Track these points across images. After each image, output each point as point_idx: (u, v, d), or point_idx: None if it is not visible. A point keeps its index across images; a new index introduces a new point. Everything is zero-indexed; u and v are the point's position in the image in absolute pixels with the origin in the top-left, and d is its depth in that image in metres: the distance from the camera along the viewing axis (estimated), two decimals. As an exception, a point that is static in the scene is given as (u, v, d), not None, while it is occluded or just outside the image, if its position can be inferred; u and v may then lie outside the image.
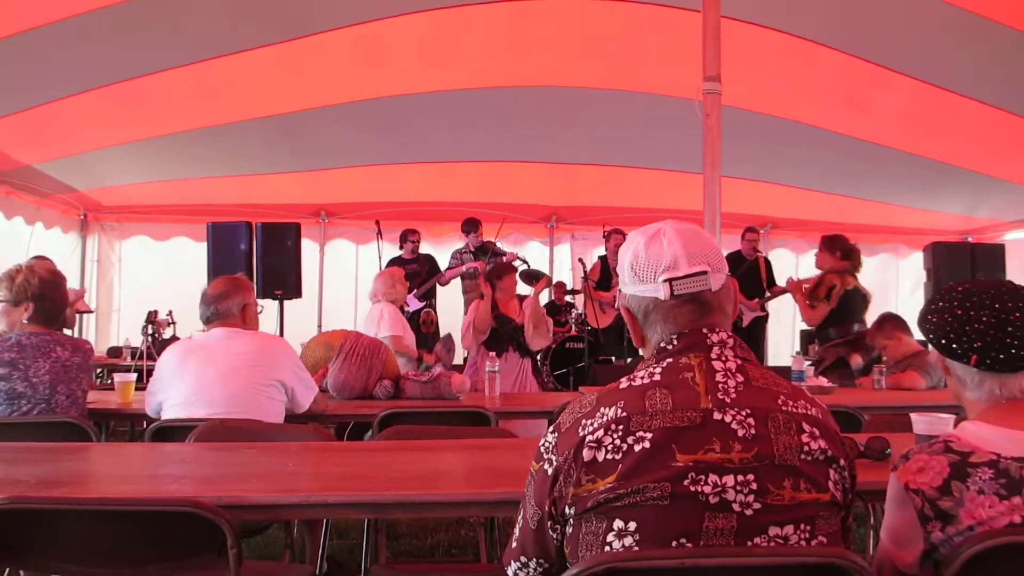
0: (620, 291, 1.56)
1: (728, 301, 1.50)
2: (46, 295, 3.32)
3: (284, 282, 7.36)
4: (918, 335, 5.10)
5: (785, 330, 10.02)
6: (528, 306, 5.61)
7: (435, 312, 8.10)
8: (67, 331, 3.66)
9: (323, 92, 6.53)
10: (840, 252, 5.87)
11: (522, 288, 7.94)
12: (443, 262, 8.38)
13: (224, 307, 3.39)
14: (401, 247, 8.07)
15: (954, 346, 1.56)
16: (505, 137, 7.66)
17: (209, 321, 3.41)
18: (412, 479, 2.22)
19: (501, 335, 5.61)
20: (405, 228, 8.17)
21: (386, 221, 8.18)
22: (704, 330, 1.45)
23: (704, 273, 1.45)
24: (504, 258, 8.02)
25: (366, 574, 2.63)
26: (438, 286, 8.26)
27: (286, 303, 7.46)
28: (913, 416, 2.52)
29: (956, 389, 1.64)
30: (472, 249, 8.04)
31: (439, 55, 6.14)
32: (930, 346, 1.64)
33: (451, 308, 8.76)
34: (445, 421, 3.50)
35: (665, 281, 1.45)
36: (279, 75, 6.16)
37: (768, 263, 8.49)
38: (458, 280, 8.28)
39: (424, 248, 8.48)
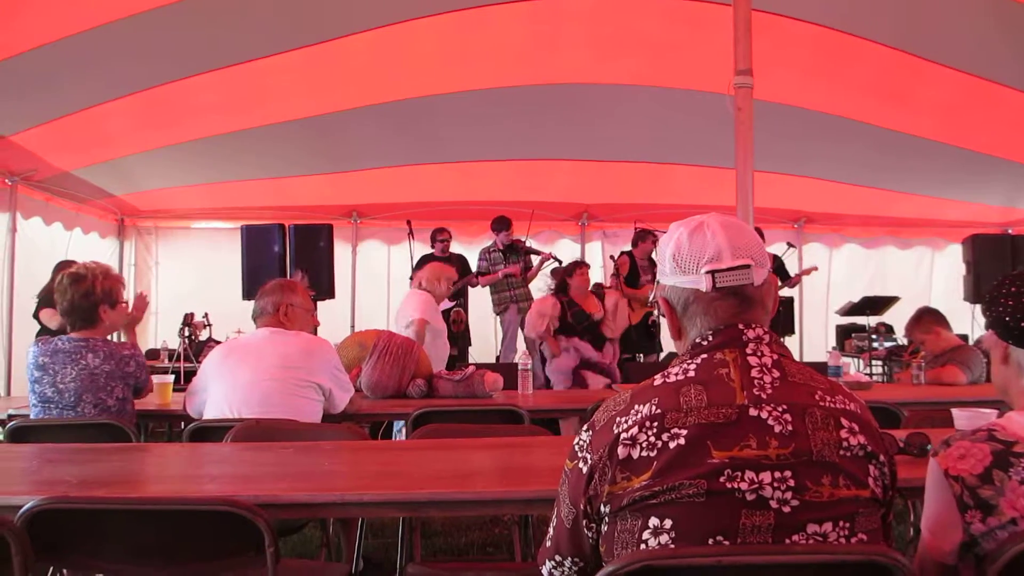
0: (658, 282, 1.54)
1: (769, 297, 1.48)
2: (72, 298, 3.34)
3: (317, 283, 7.39)
4: (957, 329, 5.03)
5: (819, 324, 9.92)
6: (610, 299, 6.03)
7: (465, 312, 8.10)
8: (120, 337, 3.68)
9: (353, 94, 6.56)
10: None
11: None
12: (474, 261, 8.38)
13: (261, 305, 3.44)
14: (432, 246, 8.09)
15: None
16: (535, 135, 7.64)
17: (255, 318, 3.48)
18: (447, 477, 2.23)
19: (575, 328, 5.90)
20: (435, 227, 8.18)
21: (417, 221, 8.20)
22: (741, 326, 1.44)
23: (748, 267, 1.44)
24: (538, 257, 8.00)
25: (402, 573, 2.64)
26: (469, 288, 8.26)
27: (319, 304, 7.51)
28: (955, 411, 2.48)
29: (1008, 378, 1.60)
30: (501, 248, 8.02)
31: (468, 55, 6.14)
32: (989, 331, 1.60)
33: (483, 312, 8.78)
34: (478, 419, 3.50)
35: (707, 273, 1.43)
36: (309, 78, 6.20)
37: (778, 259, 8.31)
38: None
39: (455, 247, 8.49)
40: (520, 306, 7.92)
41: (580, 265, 6.17)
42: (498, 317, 8.25)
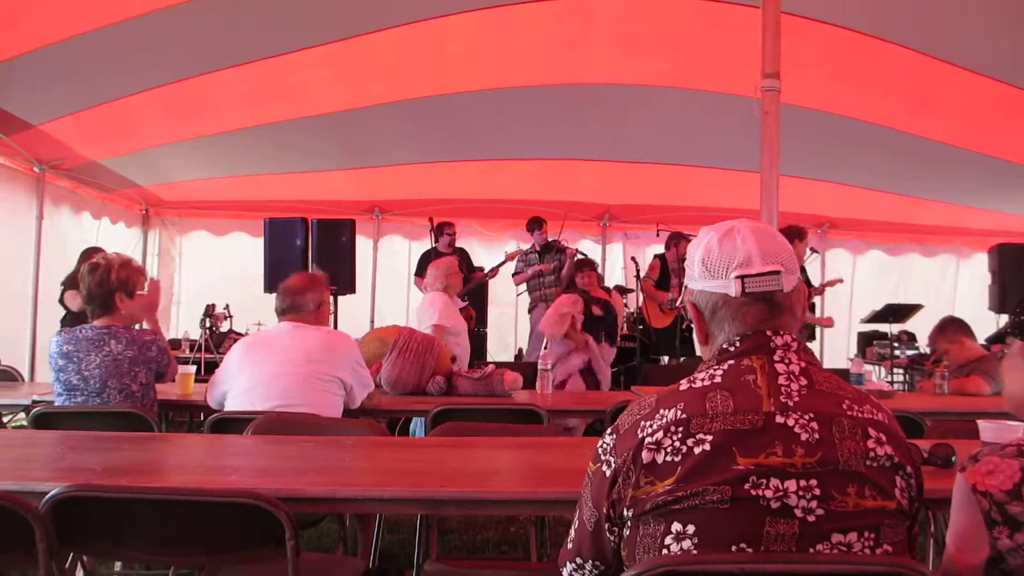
0: (687, 287, 1.54)
1: (798, 304, 1.48)
2: (88, 286, 3.38)
3: (338, 277, 7.44)
4: (981, 339, 4.98)
5: (841, 331, 9.84)
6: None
7: (474, 309, 8.09)
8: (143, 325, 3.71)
9: (378, 90, 6.58)
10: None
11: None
12: (493, 259, 8.37)
13: (301, 301, 3.44)
14: (436, 240, 8.03)
15: None
16: (559, 134, 7.63)
17: (284, 313, 3.46)
18: (466, 476, 2.23)
19: (597, 324, 6.00)
20: (440, 221, 8.10)
21: (439, 218, 8.20)
22: (768, 332, 1.43)
23: (778, 273, 1.43)
24: (567, 252, 7.99)
25: (418, 569, 2.65)
26: (486, 283, 8.26)
27: (340, 298, 7.55)
28: (980, 423, 2.45)
29: None
30: (538, 249, 8.01)
31: (492, 53, 6.14)
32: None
33: (503, 310, 8.78)
34: (497, 418, 3.51)
35: (737, 278, 1.43)
36: (335, 74, 6.23)
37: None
38: (509, 280, 8.26)
39: (475, 244, 8.48)
40: (549, 305, 7.93)
41: (587, 265, 6.22)
42: (528, 315, 8.25)
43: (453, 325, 5.39)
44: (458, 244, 8.18)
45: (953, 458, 2.22)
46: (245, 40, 5.58)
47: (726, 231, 1.48)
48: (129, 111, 6.36)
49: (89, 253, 5.26)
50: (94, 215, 8.09)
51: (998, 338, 1.70)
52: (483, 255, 9.20)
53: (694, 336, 1.56)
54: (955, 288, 10.19)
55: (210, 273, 9.20)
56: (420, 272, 7.78)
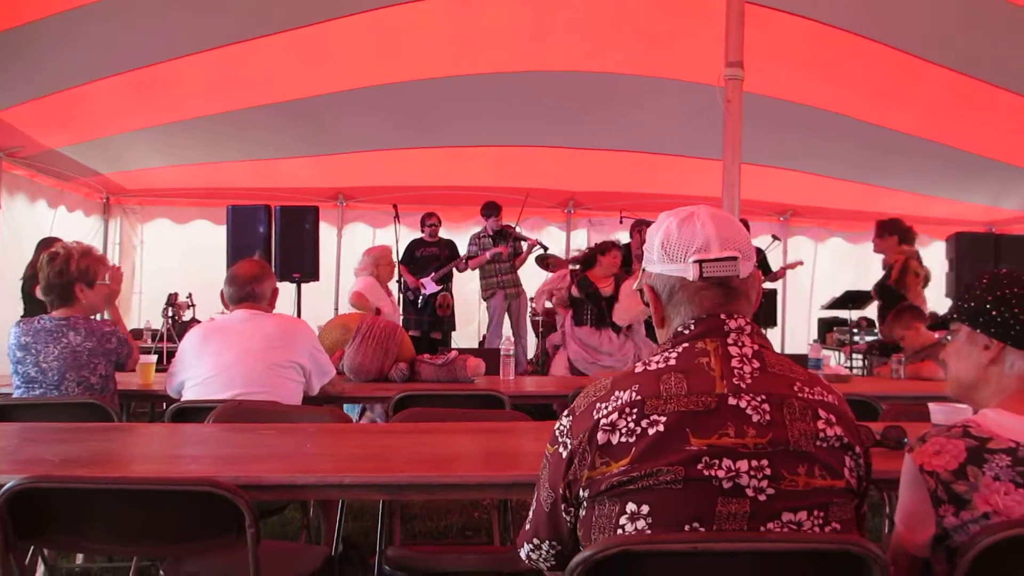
0: (644, 270, 1.55)
1: (753, 290, 1.50)
2: (47, 276, 3.33)
3: (302, 265, 7.41)
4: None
5: (802, 318, 9.98)
6: (626, 285, 5.77)
7: (452, 296, 8.11)
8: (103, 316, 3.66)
9: (341, 77, 6.54)
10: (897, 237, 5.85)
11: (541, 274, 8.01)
12: (462, 246, 8.38)
13: (260, 290, 3.41)
14: (421, 230, 8.10)
15: None
16: (524, 122, 7.64)
17: (241, 302, 3.42)
18: (427, 461, 2.23)
19: (580, 304, 5.82)
20: (424, 212, 8.17)
21: (404, 205, 8.18)
22: (723, 316, 1.45)
23: (735, 259, 1.45)
24: (526, 243, 8.00)
25: (381, 555, 2.65)
26: (456, 271, 8.26)
27: (304, 286, 7.51)
28: (931, 406, 2.50)
29: (987, 378, 1.61)
30: (491, 233, 8.01)
31: (458, 40, 6.13)
32: (973, 329, 1.61)
33: (467, 299, 8.80)
34: (460, 404, 3.52)
35: (695, 262, 1.45)
36: (298, 60, 6.17)
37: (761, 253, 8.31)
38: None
39: (442, 232, 8.46)
40: (507, 292, 7.94)
41: (615, 247, 6.02)
42: (485, 303, 8.26)
43: (375, 302, 5.46)
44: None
45: (905, 440, 2.26)
46: (208, 26, 5.51)
47: (685, 216, 1.50)
48: (89, 98, 6.26)
49: (47, 243, 5.17)
50: (50, 204, 7.93)
51: (941, 324, 1.74)
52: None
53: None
54: (914, 276, 10.35)
55: (172, 262, 9.09)
56: (404, 261, 7.79)
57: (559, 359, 6.01)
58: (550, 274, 7.69)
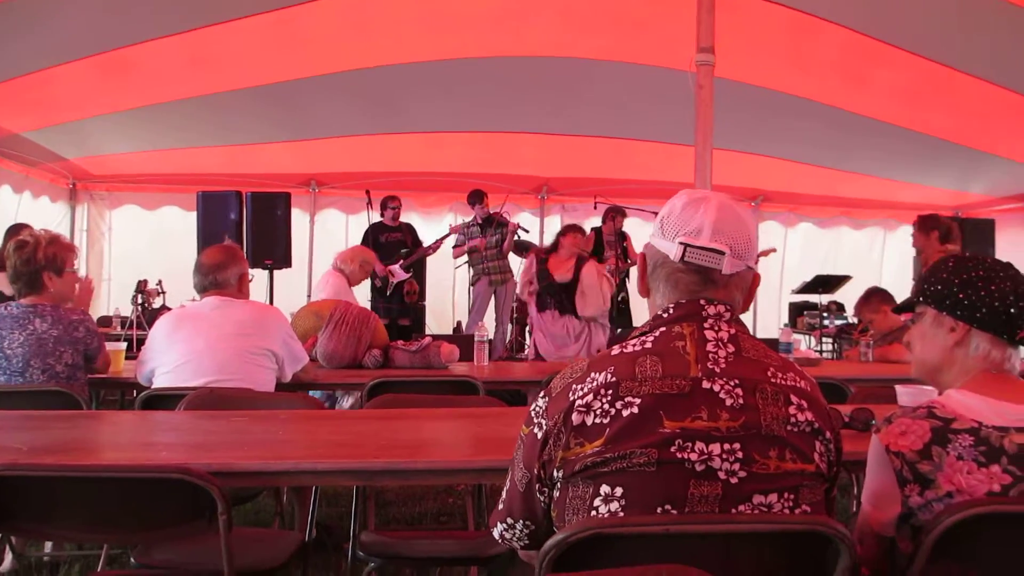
0: (650, 237, 1.56)
1: (738, 290, 1.49)
2: (15, 264, 3.28)
3: (274, 251, 7.36)
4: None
5: (772, 302, 10.08)
6: (587, 273, 5.76)
7: (416, 283, 8.08)
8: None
9: (315, 62, 6.47)
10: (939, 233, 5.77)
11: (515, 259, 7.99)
12: (434, 232, 8.35)
13: (223, 277, 3.38)
14: (382, 214, 7.99)
15: (1012, 311, 1.56)
16: (497, 108, 7.61)
17: (205, 290, 3.39)
18: (401, 447, 2.24)
19: (542, 291, 5.80)
20: (386, 195, 8.07)
21: (377, 191, 8.14)
22: (702, 301, 1.46)
23: (721, 253, 1.44)
24: (508, 227, 7.99)
25: (355, 541, 2.66)
26: (427, 258, 8.25)
27: (276, 272, 7.46)
28: (898, 388, 2.55)
29: (951, 360, 1.63)
30: (479, 222, 8.00)
31: (432, 25, 6.08)
32: (939, 312, 1.64)
33: (442, 283, 8.79)
34: (434, 390, 3.52)
35: (681, 244, 1.45)
36: (270, 44, 6.10)
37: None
38: (448, 254, 8.26)
39: (414, 218, 8.44)
40: (492, 279, 7.94)
41: (575, 229, 6.01)
42: (471, 288, 8.26)
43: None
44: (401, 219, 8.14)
45: (872, 422, 2.30)
46: (179, 9, 5.42)
47: (696, 199, 1.49)
48: (55, 82, 6.15)
49: (14, 230, 5.09)
50: (15, 189, 7.79)
51: (906, 307, 1.76)
52: (421, 228, 9.17)
53: (630, 307, 1.59)
54: (882, 260, 10.52)
55: (142, 248, 8.98)
56: (368, 247, 7.73)
57: (531, 348, 6.02)
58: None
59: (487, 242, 7.89)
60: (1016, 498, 1.44)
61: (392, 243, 7.89)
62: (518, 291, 6.01)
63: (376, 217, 7.98)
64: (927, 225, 5.75)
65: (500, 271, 8.00)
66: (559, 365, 4.53)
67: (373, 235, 7.91)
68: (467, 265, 8.18)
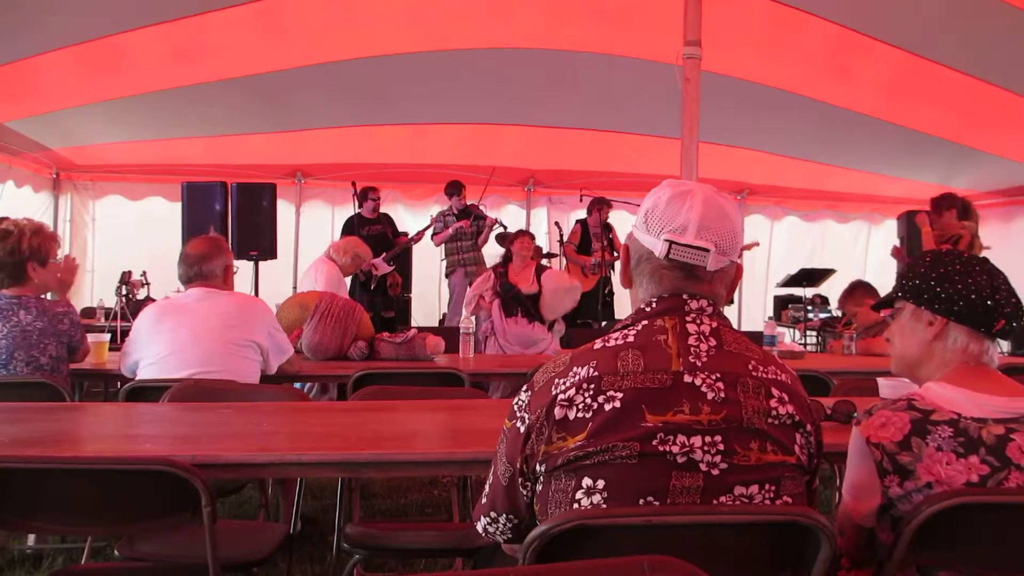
0: (634, 227, 1.55)
1: (721, 284, 1.49)
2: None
3: (259, 243, 7.32)
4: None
5: (758, 295, 10.12)
6: (549, 281, 5.69)
7: (400, 275, 8.04)
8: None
9: (300, 53, 6.45)
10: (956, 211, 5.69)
11: (498, 250, 7.96)
12: (418, 224, 8.33)
13: (208, 268, 3.36)
14: (361, 205, 7.90)
15: (989, 304, 1.57)
16: (483, 100, 7.61)
17: (190, 281, 3.38)
18: (386, 439, 2.24)
19: (508, 300, 5.70)
20: (364, 186, 7.96)
21: (362, 182, 8.10)
22: (685, 296, 1.46)
23: (706, 251, 1.44)
24: (485, 221, 7.99)
25: (340, 533, 2.66)
26: (414, 246, 8.22)
27: (261, 264, 7.42)
28: (880, 380, 2.57)
29: (931, 354, 1.64)
30: (455, 212, 7.99)
31: (418, 16, 6.07)
32: (917, 306, 1.65)
33: (428, 275, 8.77)
34: (419, 382, 3.52)
35: (666, 241, 1.45)
36: (256, 35, 6.07)
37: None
38: (430, 244, 8.23)
39: (400, 210, 8.39)
40: (468, 270, 7.92)
41: (522, 234, 6.00)
42: (446, 280, 8.24)
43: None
44: (382, 210, 8.10)
45: (854, 414, 2.31)
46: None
47: (681, 192, 1.48)
48: (38, 71, 6.11)
49: None
50: (-2, 179, 7.76)
51: (887, 302, 1.78)
52: (407, 220, 9.17)
53: (614, 300, 1.59)
54: (866, 253, 10.57)
55: (126, 239, 8.91)
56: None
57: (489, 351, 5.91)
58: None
59: (471, 223, 7.85)
60: (994, 488, 1.46)
61: (374, 235, 7.83)
62: (465, 303, 5.90)
63: (358, 208, 7.94)
64: (943, 204, 5.64)
65: (476, 263, 7.97)
66: (542, 358, 4.53)
67: (355, 229, 7.84)
68: (444, 256, 8.15)
